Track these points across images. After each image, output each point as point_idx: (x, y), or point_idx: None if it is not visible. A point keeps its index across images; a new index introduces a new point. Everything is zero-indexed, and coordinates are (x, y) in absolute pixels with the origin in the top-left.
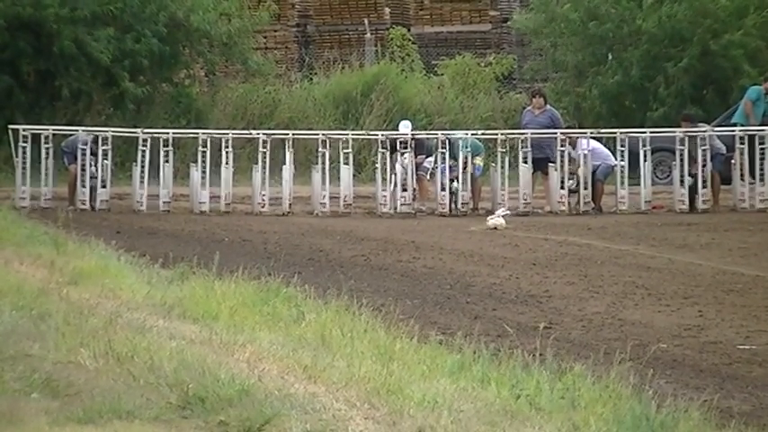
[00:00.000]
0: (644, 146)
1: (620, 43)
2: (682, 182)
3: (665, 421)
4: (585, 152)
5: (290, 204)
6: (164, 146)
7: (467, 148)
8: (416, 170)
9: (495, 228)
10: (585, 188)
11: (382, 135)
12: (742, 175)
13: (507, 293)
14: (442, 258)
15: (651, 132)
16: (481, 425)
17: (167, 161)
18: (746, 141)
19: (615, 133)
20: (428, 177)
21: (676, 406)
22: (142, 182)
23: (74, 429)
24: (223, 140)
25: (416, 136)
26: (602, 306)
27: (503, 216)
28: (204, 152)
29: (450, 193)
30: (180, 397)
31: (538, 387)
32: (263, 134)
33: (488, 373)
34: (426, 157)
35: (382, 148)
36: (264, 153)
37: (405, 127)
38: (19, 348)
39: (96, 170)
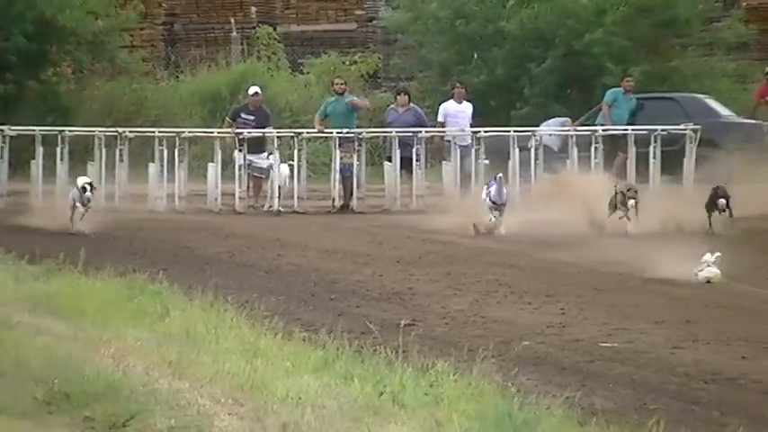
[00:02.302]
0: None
1: (485, 43)
2: None
3: (527, 418)
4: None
5: (166, 198)
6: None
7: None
8: (253, 169)
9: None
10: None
11: (247, 133)
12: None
13: (371, 291)
14: (307, 255)
15: (486, 133)
16: (345, 421)
17: (33, 158)
18: (608, 142)
19: (479, 131)
20: (264, 176)
21: (539, 403)
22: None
23: None
24: (94, 137)
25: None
26: (465, 303)
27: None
28: (71, 149)
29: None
30: (46, 393)
31: (401, 383)
32: (129, 131)
33: (352, 370)
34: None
35: (239, 145)
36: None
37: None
38: None
39: None
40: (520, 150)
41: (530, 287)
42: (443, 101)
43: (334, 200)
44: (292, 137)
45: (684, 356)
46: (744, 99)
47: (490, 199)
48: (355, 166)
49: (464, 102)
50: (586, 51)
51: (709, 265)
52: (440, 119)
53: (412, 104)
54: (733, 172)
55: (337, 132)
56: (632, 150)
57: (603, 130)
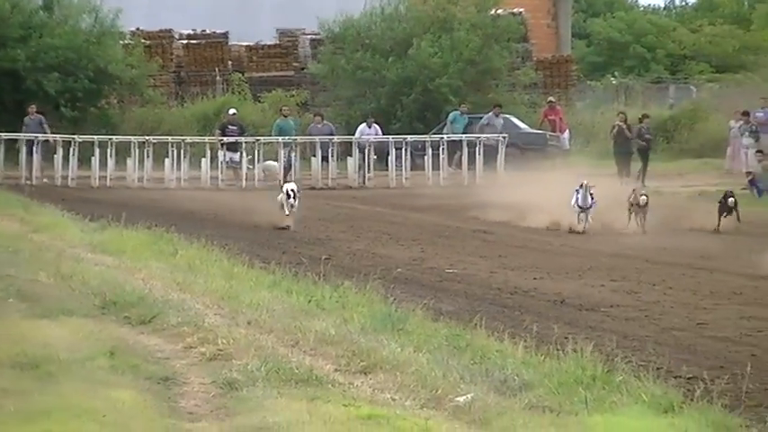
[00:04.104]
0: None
1: (374, 84)
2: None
3: (400, 316)
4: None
5: (176, 180)
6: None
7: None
8: (231, 162)
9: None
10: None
11: (226, 139)
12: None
13: (303, 238)
14: (263, 217)
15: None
16: (287, 318)
17: (93, 155)
18: (447, 146)
19: (370, 138)
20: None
21: (408, 307)
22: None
23: (36, 322)
24: (131, 143)
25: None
26: (362, 245)
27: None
28: (116, 150)
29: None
30: (101, 301)
31: (322, 295)
32: (153, 138)
33: (291, 287)
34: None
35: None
36: (149, 150)
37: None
38: (1, 271)
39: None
40: (396, 150)
41: (403, 235)
42: (359, 123)
43: (280, 181)
44: (254, 142)
45: (498, 278)
46: (534, 118)
47: (578, 204)
48: (293, 159)
49: (373, 126)
50: (437, 90)
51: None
52: (356, 136)
53: (326, 122)
54: (528, 163)
55: (282, 139)
56: (465, 150)
57: (447, 138)
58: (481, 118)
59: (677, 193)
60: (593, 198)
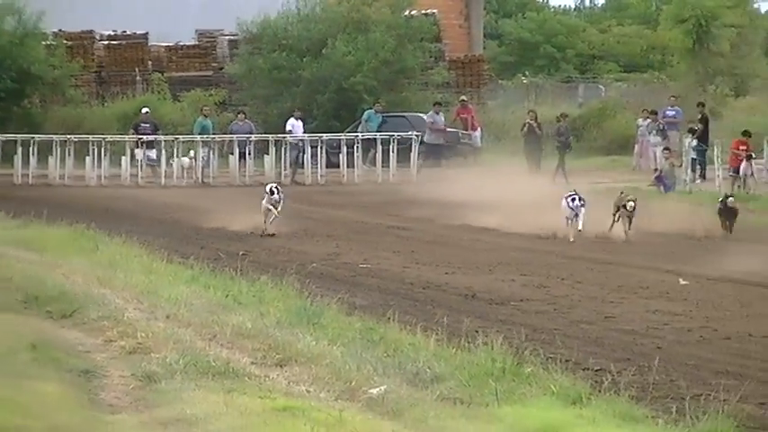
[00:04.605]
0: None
1: (290, 83)
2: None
3: (315, 310)
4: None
5: (96, 178)
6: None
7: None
8: (149, 160)
9: None
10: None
11: (145, 137)
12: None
13: (220, 233)
14: (183, 213)
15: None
16: (205, 313)
17: (15, 153)
18: (365, 142)
19: (287, 137)
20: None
21: (323, 301)
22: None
23: None
24: (53, 141)
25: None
26: (279, 241)
27: None
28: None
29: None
30: (23, 296)
31: (239, 290)
32: (74, 137)
33: (209, 282)
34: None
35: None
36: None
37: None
38: None
39: None
40: (311, 148)
41: (318, 231)
42: (288, 118)
43: (198, 178)
44: (173, 141)
45: (410, 273)
46: (447, 116)
47: (569, 206)
48: (211, 157)
49: (299, 120)
50: (351, 88)
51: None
52: (288, 128)
53: (247, 120)
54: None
55: (201, 138)
56: (379, 148)
57: (362, 136)
58: (397, 116)
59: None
60: (582, 202)
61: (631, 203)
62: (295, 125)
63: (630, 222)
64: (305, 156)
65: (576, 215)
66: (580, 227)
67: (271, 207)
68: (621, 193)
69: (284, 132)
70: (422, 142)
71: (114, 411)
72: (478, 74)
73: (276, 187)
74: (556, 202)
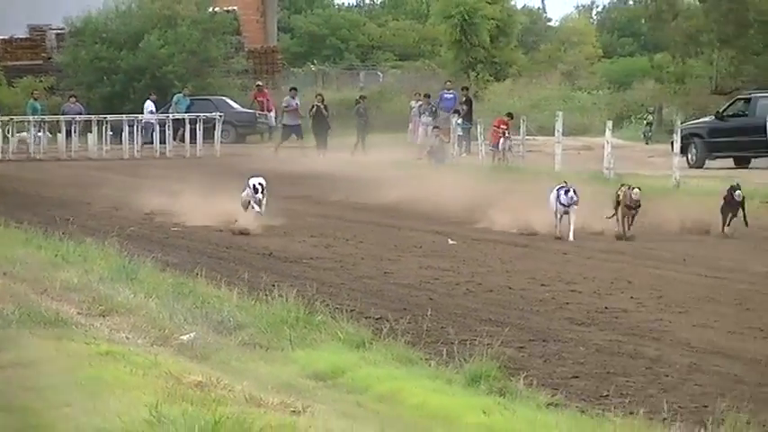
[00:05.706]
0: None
1: (110, 72)
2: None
3: (133, 268)
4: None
5: None
6: None
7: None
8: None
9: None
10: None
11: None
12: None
13: (52, 201)
14: (20, 184)
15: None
16: (37, 270)
17: None
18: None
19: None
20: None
21: (140, 260)
22: None
23: None
24: None
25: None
26: (100, 208)
27: None
28: None
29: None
30: None
31: (67, 250)
32: None
33: (41, 244)
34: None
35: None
36: None
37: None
38: None
39: None
40: (128, 127)
41: (134, 199)
42: (146, 99)
43: (31, 154)
44: (8, 120)
45: (216, 235)
46: (246, 99)
47: (559, 202)
48: (41, 135)
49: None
50: (164, 76)
51: None
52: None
53: (78, 103)
54: (241, 138)
55: (33, 118)
56: (188, 128)
57: (173, 117)
58: (203, 99)
59: (378, 162)
60: (575, 195)
61: (637, 191)
62: (151, 107)
63: (633, 218)
64: (122, 133)
65: (567, 212)
66: (571, 237)
67: (254, 204)
68: (622, 185)
69: (104, 114)
70: (284, 125)
71: None
72: (273, 62)
73: (260, 183)
74: (345, 173)
